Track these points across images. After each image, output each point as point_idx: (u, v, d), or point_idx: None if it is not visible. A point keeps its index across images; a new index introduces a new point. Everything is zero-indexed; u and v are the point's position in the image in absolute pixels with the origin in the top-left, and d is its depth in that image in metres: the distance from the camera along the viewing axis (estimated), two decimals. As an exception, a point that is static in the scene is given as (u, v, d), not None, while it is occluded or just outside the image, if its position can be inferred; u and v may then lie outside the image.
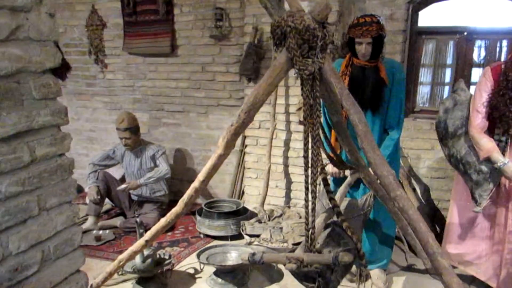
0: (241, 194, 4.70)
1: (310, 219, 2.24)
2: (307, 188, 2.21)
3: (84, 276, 1.54)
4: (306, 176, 2.21)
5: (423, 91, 4.12)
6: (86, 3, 5.08)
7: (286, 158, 4.30)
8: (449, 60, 4.00)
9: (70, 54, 5.30)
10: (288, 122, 4.23)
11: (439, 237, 3.88)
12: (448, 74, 4.02)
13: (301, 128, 4.17)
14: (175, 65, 4.83)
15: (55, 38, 1.36)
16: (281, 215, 4.14)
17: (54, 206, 1.39)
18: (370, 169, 2.82)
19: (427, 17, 4.02)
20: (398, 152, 3.18)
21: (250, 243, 3.78)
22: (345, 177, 3.14)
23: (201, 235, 4.15)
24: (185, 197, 2.58)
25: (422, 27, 4.00)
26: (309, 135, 2.14)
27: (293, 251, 3.06)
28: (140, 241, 2.79)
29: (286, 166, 4.32)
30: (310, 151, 2.17)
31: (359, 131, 2.05)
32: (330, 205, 2.56)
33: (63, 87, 5.50)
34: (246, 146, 4.55)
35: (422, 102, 4.14)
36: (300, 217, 4.07)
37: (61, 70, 5.32)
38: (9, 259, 1.26)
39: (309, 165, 2.17)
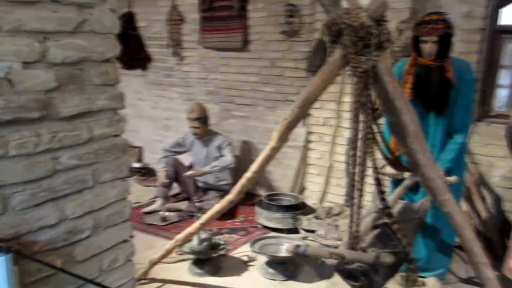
0: (302, 189, 4.75)
1: (355, 217, 2.25)
2: (353, 186, 2.23)
3: (131, 246, 1.71)
4: (353, 174, 2.23)
5: (501, 94, 3.88)
6: (168, -1, 5.39)
7: (348, 156, 4.27)
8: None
9: (152, 47, 5.64)
10: (354, 121, 4.19)
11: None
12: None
13: (366, 127, 4.12)
14: (246, 59, 4.97)
15: (115, 31, 1.52)
16: (339, 213, 4.13)
17: (107, 180, 1.56)
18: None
19: (510, 15, 3.78)
20: (463, 158, 3.05)
21: (304, 238, 3.83)
22: (405, 179, 3.08)
23: (259, 226, 4.27)
24: (238, 186, 2.72)
25: (504, 25, 3.76)
26: (358, 133, 2.16)
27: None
28: (195, 224, 2.97)
29: (348, 164, 4.29)
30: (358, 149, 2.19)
31: (410, 132, 2.03)
32: (382, 206, 2.55)
33: (144, 77, 5.89)
34: (310, 142, 4.58)
35: (499, 106, 3.90)
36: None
37: (143, 62, 5.70)
38: (65, 222, 1.44)
39: (356, 163, 2.18)
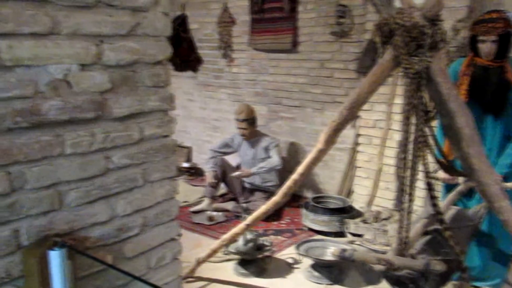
0: (350, 192, 4.67)
1: (405, 222, 2.19)
2: (403, 190, 2.16)
3: (179, 245, 1.74)
4: (403, 178, 2.16)
5: None
6: (219, 1, 5.46)
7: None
8: None
9: (203, 48, 5.73)
10: (405, 124, 4.07)
11: None
12: None
13: (417, 130, 4.00)
14: (295, 61, 4.95)
15: (167, 34, 1.55)
16: (388, 218, 4.03)
17: (156, 180, 1.60)
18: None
19: None
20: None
21: (351, 242, 3.76)
22: (458, 184, 2.96)
23: (305, 228, 4.24)
24: (284, 187, 2.71)
25: None
26: (409, 136, 2.10)
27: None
28: (241, 225, 2.99)
29: (399, 167, 4.18)
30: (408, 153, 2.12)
31: (465, 135, 1.95)
32: (434, 212, 2.46)
33: (194, 79, 6.00)
34: (358, 144, 4.49)
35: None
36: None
37: (194, 63, 5.80)
38: (116, 220, 1.49)
39: (407, 167, 2.12)
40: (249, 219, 2.92)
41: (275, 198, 2.74)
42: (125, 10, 1.41)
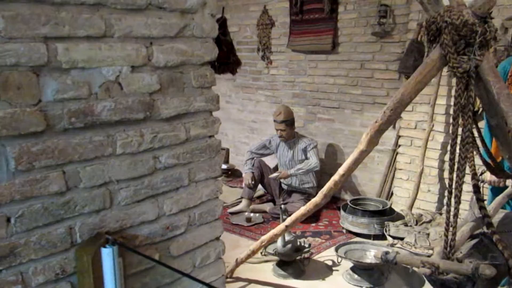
0: (390, 195, 4.58)
1: (451, 225, 2.12)
2: (450, 192, 2.10)
3: (222, 244, 1.75)
4: (450, 180, 2.10)
5: None
6: (259, 3, 5.48)
7: (442, 161, 4.05)
8: None
9: (241, 51, 5.76)
10: (447, 124, 3.98)
11: None
12: None
13: (461, 132, 3.88)
14: (335, 62, 4.90)
15: (214, 35, 1.57)
16: (430, 221, 3.93)
17: (201, 179, 1.61)
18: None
19: None
20: None
21: (392, 245, 3.68)
22: (505, 187, 2.86)
23: (344, 230, 4.19)
24: (324, 189, 2.68)
25: None
26: (458, 137, 2.03)
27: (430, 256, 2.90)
28: (281, 226, 2.98)
29: (441, 170, 4.07)
30: (457, 154, 2.06)
31: (516, 137, 1.87)
32: (481, 215, 2.38)
33: (233, 81, 6.03)
34: (399, 146, 4.40)
35: None
36: (452, 227, 3.80)
37: (233, 66, 5.84)
38: (163, 218, 1.51)
39: (455, 169, 2.06)
40: (288, 220, 2.90)
41: (315, 199, 2.71)
42: (174, 13, 1.43)
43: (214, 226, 1.69)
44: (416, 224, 3.89)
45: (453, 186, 2.09)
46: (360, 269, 3.33)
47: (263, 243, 3.08)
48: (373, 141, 2.41)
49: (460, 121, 2.07)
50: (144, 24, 1.36)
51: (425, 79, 2.15)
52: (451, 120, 3.68)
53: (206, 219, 1.66)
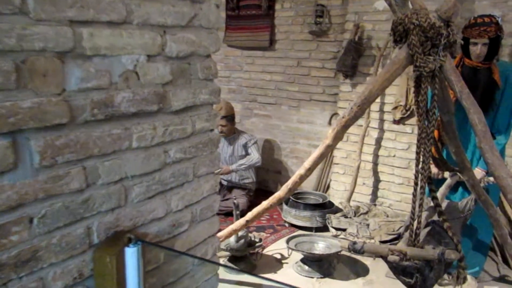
0: (326, 188, 4.78)
1: (416, 214, 2.29)
2: (416, 184, 2.26)
3: (217, 241, 1.72)
4: (417, 172, 2.26)
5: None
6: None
7: (376, 156, 4.32)
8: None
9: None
10: (381, 121, 4.25)
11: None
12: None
13: (394, 127, 4.17)
14: (272, 58, 4.99)
15: (218, 26, 1.53)
16: (366, 212, 4.17)
17: (203, 174, 1.57)
18: (474, 171, 2.80)
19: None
20: (504, 158, 3.11)
21: (336, 236, 3.86)
22: (443, 179, 3.13)
23: (286, 224, 4.29)
24: (289, 183, 2.73)
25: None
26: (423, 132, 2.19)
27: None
28: (241, 221, 2.98)
29: (375, 164, 4.34)
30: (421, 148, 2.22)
31: (478, 131, 2.07)
32: (432, 204, 2.59)
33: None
34: (335, 141, 4.60)
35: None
36: (387, 216, 4.08)
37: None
38: (170, 215, 1.45)
39: (420, 161, 2.22)
40: (249, 215, 2.92)
41: (279, 194, 2.75)
42: (185, 1, 1.38)
43: (212, 222, 1.66)
44: (355, 216, 4.11)
45: (419, 178, 2.25)
46: (310, 260, 3.44)
47: (221, 239, 3.06)
48: (339, 136, 2.52)
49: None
50: (159, 12, 1.29)
51: (391, 77, 2.29)
52: (395, 118, 3.92)
53: (206, 215, 1.62)
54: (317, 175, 4.84)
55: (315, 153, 2.60)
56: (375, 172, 4.36)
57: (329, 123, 4.75)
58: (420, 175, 2.24)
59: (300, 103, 4.93)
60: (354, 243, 2.43)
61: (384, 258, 2.45)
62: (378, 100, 4.24)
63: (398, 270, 2.47)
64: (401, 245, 2.38)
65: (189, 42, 1.41)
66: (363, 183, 4.43)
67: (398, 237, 3.73)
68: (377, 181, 4.36)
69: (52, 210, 1.08)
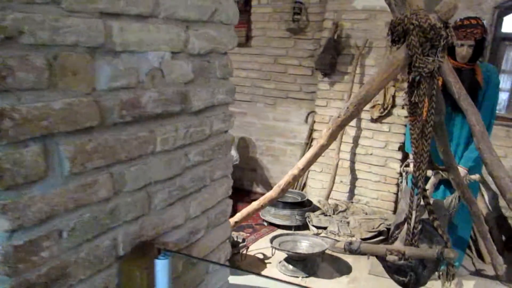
0: (303, 186, 4.78)
1: (414, 213, 2.30)
2: (415, 184, 2.27)
3: (229, 247, 1.65)
4: (415, 172, 2.27)
5: (501, 97, 4.10)
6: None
7: (353, 154, 4.36)
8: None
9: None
10: (359, 119, 4.28)
11: (506, 245, 3.89)
12: (528, 83, 4.00)
13: (372, 125, 4.22)
14: (248, 55, 4.93)
15: (235, 23, 1.45)
16: (345, 210, 4.20)
17: (218, 178, 1.49)
18: (461, 169, 2.86)
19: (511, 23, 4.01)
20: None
21: (317, 234, 3.86)
22: (426, 178, 3.17)
23: (265, 223, 4.25)
24: (282, 183, 2.69)
25: (506, 33, 3.98)
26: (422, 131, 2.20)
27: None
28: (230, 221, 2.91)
29: (353, 162, 4.37)
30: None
31: (476, 132, 2.10)
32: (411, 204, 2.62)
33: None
34: (312, 140, 4.61)
35: (499, 108, 4.12)
36: (366, 214, 4.12)
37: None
38: (188, 222, 1.36)
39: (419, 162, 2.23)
40: (238, 215, 2.85)
41: (270, 194, 2.71)
42: (207, -5, 1.30)
43: (225, 228, 1.59)
44: (334, 214, 4.12)
45: (418, 178, 2.26)
46: (294, 259, 3.42)
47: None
48: (334, 135, 2.50)
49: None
50: (185, 5, 1.20)
51: (389, 77, 2.29)
52: (373, 117, 3.95)
53: (220, 220, 1.54)
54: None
55: (309, 153, 2.57)
56: (353, 170, 4.39)
57: (306, 121, 4.75)
58: (418, 176, 2.25)
59: (276, 100, 4.89)
60: (350, 243, 2.42)
61: (380, 257, 2.46)
62: (356, 98, 4.27)
63: (392, 269, 2.49)
64: (398, 244, 2.39)
65: (209, 39, 1.33)
66: (340, 181, 4.45)
67: (379, 234, 3.78)
68: (354, 179, 4.40)
69: (81, 221, 0.97)
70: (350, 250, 2.39)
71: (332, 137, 2.49)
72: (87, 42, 0.93)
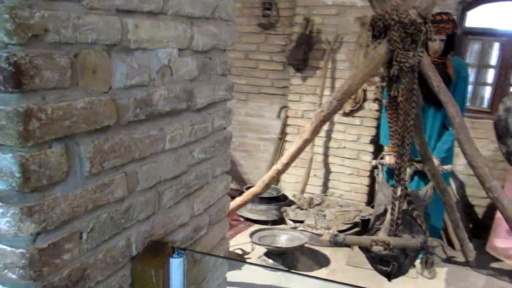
0: (277, 181, 4.81)
1: (397, 205, 2.38)
2: (398, 176, 2.34)
3: (227, 243, 1.65)
4: (398, 164, 2.34)
5: (467, 90, 4.27)
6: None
7: (326, 148, 4.43)
8: (492, 61, 4.16)
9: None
10: (332, 114, 4.34)
11: (472, 233, 4.07)
12: (490, 75, 4.18)
13: (344, 119, 4.30)
14: (219, 51, 4.90)
15: (233, 19, 1.45)
16: (320, 203, 4.27)
17: (218, 174, 1.49)
18: (434, 160, 2.97)
19: (474, 18, 4.16)
20: (453, 148, 3.33)
21: (295, 228, 3.91)
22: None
23: (241, 218, 4.26)
24: (265, 178, 2.71)
25: (469, 27, 4.14)
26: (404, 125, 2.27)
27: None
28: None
29: (326, 156, 4.45)
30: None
31: (456, 124, 2.19)
32: (394, 195, 2.70)
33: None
34: (286, 134, 4.65)
35: (464, 101, 4.29)
36: (341, 206, 4.20)
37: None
38: (193, 220, 1.35)
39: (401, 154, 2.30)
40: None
41: (254, 189, 2.72)
42: (208, -9, 1.29)
43: (224, 224, 1.59)
44: (309, 207, 4.18)
45: (402, 170, 2.33)
46: (274, 254, 3.45)
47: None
48: (317, 130, 2.54)
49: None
50: (190, 1, 1.19)
51: (371, 72, 2.35)
52: (345, 111, 4.00)
53: (220, 217, 1.54)
54: (266, 168, 4.85)
55: (292, 148, 2.60)
56: (326, 164, 4.46)
57: (278, 116, 4.78)
58: (401, 167, 2.32)
59: (248, 96, 4.90)
60: (336, 235, 2.47)
61: (363, 248, 2.52)
62: (328, 93, 4.34)
63: (375, 259, 2.56)
64: (382, 235, 2.46)
65: (211, 35, 1.32)
66: (314, 174, 4.51)
67: (354, 226, 3.87)
68: (327, 172, 4.47)
69: (99, 222, 0.96)
70: (336, 242, 2.44)
71: (315, 131, 2.53)
72: (105, 39, 0.91)
